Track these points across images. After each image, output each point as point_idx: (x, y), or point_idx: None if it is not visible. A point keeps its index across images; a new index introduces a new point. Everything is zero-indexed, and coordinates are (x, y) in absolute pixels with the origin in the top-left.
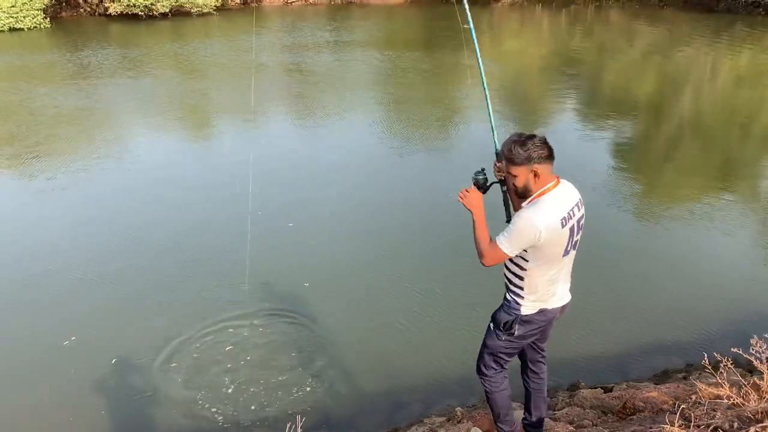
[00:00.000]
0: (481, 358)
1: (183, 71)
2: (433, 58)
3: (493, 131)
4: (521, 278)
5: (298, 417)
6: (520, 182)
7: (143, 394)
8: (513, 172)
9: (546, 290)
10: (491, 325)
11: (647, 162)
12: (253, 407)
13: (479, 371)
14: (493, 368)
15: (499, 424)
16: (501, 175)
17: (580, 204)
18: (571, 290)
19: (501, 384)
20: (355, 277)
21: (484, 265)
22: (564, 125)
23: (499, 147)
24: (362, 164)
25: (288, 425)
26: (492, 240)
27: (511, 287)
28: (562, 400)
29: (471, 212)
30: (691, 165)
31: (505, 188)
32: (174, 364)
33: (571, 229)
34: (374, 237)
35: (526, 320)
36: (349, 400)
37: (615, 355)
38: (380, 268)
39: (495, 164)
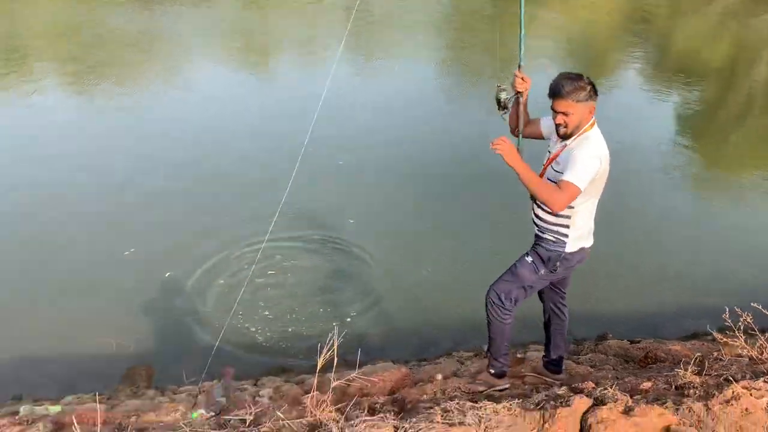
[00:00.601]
0: (501, 288)
1: (246, 2)
2: (498, 2)
3: (521, 43)
4: (568, 216)
5: (336, 329)
6: (573, 120)
7: (190, 307)
8: (569, 110)
9: (585, 227)
10: (529, 258)
11: (708, 130)
12: (291, 329)
13: (495, 300)
14: (511, 301)
15: (495, 358)
16: (523, 86)
17: None
18: (618, 248)
19: (508, 319)
20: (399, 218)
21: (555, 210)
22: (627, 84)
23: (523, 59)
24: (414, 108)
25: (330, 336)
26: (559, 183)
27: (554, 228)
28: (588, 347)
29: (513, 167)
30: (756, 137)
31: (520, 98)
32: (221, 281)
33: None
34: (420, 181)
35: (567, 257)
36: (383, 331)
37: (648, 314)
38: (423, 210)
39: (515, 75)
